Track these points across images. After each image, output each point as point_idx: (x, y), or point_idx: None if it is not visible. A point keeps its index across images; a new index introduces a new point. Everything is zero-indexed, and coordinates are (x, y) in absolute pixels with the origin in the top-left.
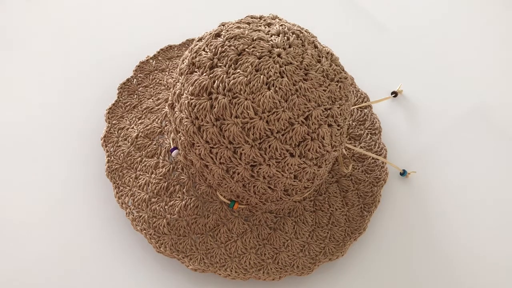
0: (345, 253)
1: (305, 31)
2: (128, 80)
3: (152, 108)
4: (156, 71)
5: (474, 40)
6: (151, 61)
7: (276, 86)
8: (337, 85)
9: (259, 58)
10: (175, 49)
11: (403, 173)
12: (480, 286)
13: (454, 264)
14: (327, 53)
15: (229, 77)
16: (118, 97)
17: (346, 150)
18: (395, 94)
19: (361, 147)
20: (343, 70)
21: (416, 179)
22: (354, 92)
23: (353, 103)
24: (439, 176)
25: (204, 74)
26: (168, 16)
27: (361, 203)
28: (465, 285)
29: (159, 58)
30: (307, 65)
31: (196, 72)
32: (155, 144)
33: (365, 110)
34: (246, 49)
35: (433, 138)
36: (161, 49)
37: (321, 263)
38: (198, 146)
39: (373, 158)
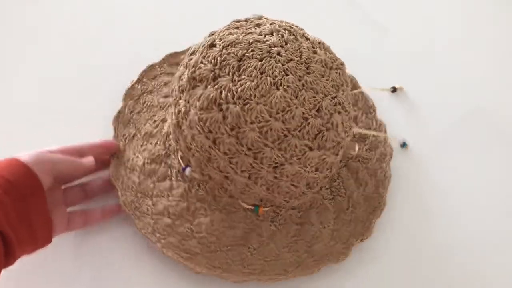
0: (372, 232)
1: (293, 25)
2: (119, 112)
3: (151, 133)
4: (144, 94)
5: (474, 40)
6: (137, 85)
7: (284, 85)
8: (336, 72)
9: (261, 61)
10: (157, 67)
11: (403, 145)
12: (483, 285)
13: (454, 263)
14: (319, 42)
15: (235, 85)
16: (115, 132)
17: None
18: (394, 89)
19: (359, 128)
20: (336, 56)
21: (416, 179)
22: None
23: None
24: (439, 176)
25: (209, 86)
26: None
27: (374, 180)
28: (467, 285)
29: (144, 80)
30: (306, 58)
31: (198, 86)
32: (163, 167)
33: (355, 91)
34: (246, 54)
35: (433, 138)
36: (143, 71)
37: (353, 245)
38: (216, 159)
39: (373, 136)
